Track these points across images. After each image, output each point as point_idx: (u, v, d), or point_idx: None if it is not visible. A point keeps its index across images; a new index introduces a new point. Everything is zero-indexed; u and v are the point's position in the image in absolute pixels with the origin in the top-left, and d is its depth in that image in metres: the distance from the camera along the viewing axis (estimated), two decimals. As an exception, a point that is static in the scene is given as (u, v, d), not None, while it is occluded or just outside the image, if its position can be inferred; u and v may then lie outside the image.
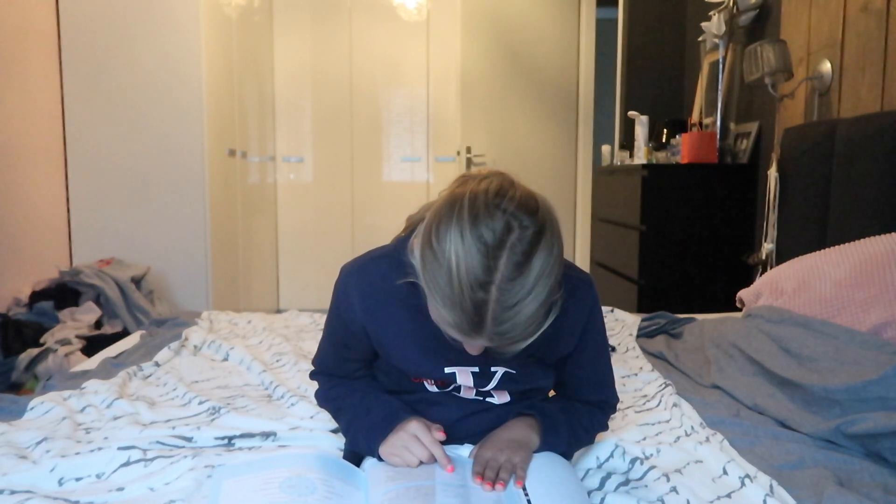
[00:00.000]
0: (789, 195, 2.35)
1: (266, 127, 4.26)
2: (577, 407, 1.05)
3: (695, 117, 3.41)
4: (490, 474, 0.89)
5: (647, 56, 3.93)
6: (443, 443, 0.98)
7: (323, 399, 1.09)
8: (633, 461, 1.07)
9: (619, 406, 1.32)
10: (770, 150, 2.68)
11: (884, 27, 2.01)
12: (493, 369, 0.97)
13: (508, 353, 0.82)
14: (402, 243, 0.96)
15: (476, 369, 0.96)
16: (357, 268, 0.98)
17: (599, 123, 4.81)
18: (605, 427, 1.09)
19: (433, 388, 1.01)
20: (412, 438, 0.93)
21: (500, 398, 1.02)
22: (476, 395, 1.01)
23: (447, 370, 0.96)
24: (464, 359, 0.95)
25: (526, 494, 0.86)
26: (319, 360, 1.10)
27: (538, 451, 0.97)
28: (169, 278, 3.05)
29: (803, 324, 1.46)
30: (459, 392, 1.01)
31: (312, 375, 1.12)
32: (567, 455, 1.02)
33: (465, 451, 0.99)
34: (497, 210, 0.77)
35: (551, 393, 1.12)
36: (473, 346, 0.84)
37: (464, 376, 0.97)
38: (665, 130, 3.42)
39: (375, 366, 1.09)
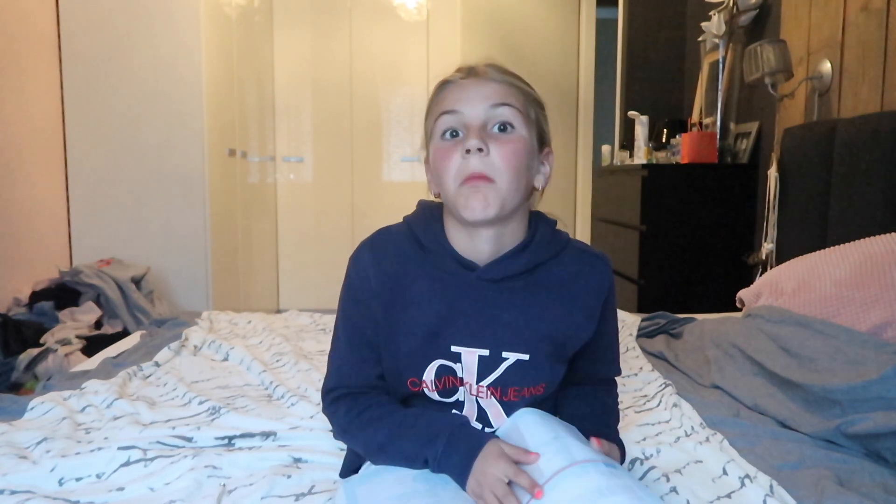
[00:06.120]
0: (789, 195, 2.35)
1: (266, 127, 4.26)
2: (586, 393, 1.05)
3: (695, 117, 3.41)
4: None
5: (647, 56, 3.93)
6: None
7: (353, 427, 0.94)
8: (632, 461, 1.07)
9: (619, 406, 1.32)
10: (770, 150, 2.68)
11: (884, 27, 2.01)
12: (503, 355, 0.92)
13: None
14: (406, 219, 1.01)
15: (485, 352, 0.92)
16: (368, 240, 0.99)
17: (599, 123, 4.81)
18: (617, 400, 1.10)
19: (435, 396, 0.95)
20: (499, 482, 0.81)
21: (496, 420, 0.95)
22: (477, 418, 0.96)
23: (454, 349, 0.92)
24: (472, 338, 0.92)
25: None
26: (335, 375, 0.97)
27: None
28: (169, 278, 3.05)
29: (803, 324, 1.46)
30: (462, 409, 0.96)
31: (327, 406, 0.97)
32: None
33: None
34: None
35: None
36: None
37: (470, 358, 0.92)
38: (665, 130, 3.42)
39: None
